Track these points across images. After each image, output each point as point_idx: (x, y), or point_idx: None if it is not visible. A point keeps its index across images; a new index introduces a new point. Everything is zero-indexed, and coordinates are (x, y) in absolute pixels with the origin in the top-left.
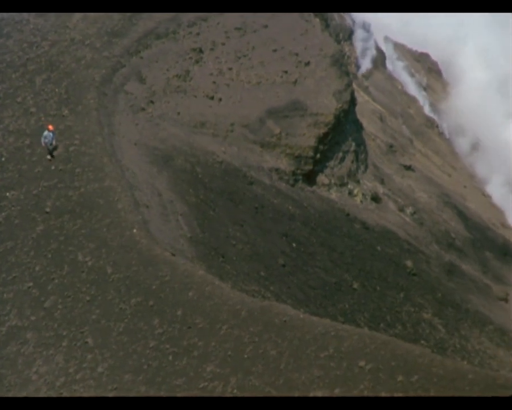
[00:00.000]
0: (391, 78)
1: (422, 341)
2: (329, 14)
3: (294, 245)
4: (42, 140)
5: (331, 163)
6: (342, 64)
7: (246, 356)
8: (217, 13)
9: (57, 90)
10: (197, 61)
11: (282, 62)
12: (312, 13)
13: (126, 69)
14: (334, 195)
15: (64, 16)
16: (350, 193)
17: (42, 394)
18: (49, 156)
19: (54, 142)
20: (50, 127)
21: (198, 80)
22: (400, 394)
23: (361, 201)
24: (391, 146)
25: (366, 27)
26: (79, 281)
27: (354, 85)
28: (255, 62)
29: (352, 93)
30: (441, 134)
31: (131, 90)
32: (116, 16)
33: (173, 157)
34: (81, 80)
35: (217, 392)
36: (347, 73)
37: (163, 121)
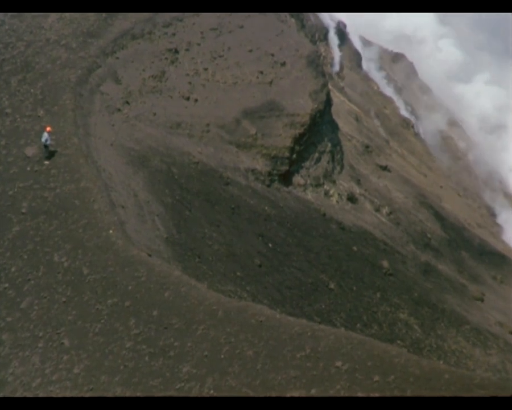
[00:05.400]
0: (366, 78)
1: (398, 341)
2: (305, 15)
3: (270, 245)
4: (43, 140)
5: (307, 164)
6: (318, 64)
7: (222, 356)
8: (192, 13)
9: (32, 90)
10: (172, 62)
11: (258, 63)
12: (287, 14)
13: (102, 69)
14: (310, 195)
15: (39, 16)
16: (326, 193)
17: (18, 395)
18: (46, 162)
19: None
20: (49, 128)
21: (174, 80)
22: (376, 394)
23: (337, 202)
24: (367, 147)
25: (341, 27)
26: (55, 281)
27: (330, 86)
28: (230, 62)
29: (328, 94)
30: (416, 134)
31: (107, 90)
32: (92, 16)
33: (149, 158)
34: (57, 80)
35: (194, 393)
36: (323, 74)
37: (139, 121)
